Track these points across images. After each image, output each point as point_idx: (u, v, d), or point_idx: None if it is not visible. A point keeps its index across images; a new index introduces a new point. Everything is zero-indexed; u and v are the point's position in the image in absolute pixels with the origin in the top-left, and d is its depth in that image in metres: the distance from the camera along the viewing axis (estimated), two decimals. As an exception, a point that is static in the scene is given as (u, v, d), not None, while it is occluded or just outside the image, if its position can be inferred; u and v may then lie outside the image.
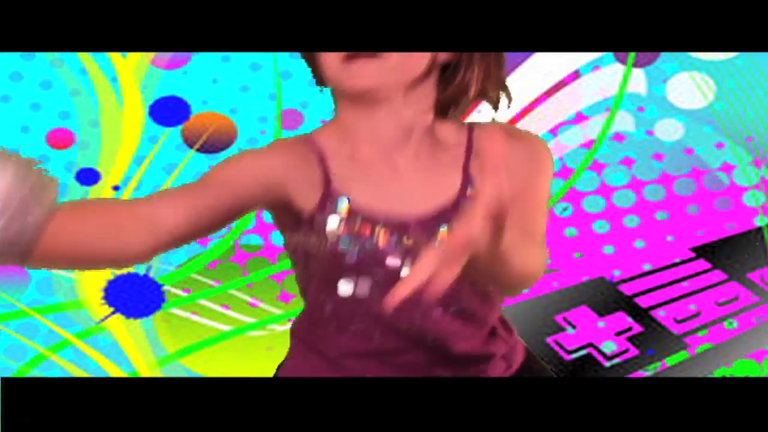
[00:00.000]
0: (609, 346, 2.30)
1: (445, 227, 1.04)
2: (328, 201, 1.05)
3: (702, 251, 2.62)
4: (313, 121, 2.56)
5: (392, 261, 1.05)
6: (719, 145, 2.74)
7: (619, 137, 2.76)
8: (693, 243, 2.64)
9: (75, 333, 2.33)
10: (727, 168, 2.73)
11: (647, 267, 2.57)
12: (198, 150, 2.59)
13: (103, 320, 2.34)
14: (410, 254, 1.05)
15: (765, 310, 2.43)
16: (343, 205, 1.05)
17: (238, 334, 2.42)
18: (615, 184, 2.71)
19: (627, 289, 2.50)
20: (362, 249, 1.05)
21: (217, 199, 0.99)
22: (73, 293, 2.40)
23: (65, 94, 2.56)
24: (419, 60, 1.03)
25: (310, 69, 1.11)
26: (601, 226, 2.65)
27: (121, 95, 2.59)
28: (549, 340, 2.31)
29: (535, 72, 2.74)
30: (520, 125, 2.73)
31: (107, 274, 2.40)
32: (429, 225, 1.05)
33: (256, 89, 2.62)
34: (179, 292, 2.42)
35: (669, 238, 2.63)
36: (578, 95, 2.77)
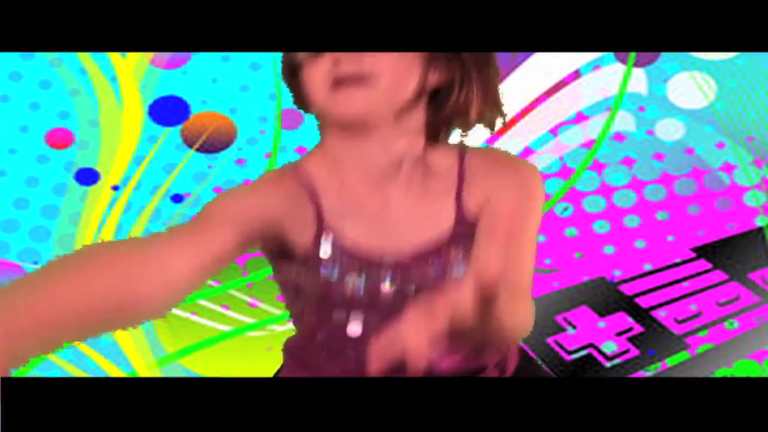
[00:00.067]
0: (609, 347, 2.29)
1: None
2: (321, 237, 1.04)
3: (703, 251, 2.61)
4: (312, 121, 2.55)
5: (384, 289, 1.04)
6: (720, 145, 2.74)
7: (619, 137, 2.76)
8: (694, 243, 2.63)
9: (74, 333, 2.32)
10: (728, 168, 2.73)
11: (648, 267, 2.57)
12: (197, 150, 2.59)
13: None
14: (402, 291, 1.04)
15: (766, 311, 2.42)
16: (338, 243, 1.04)
17: (237, 335, 2.42)
18: (615, 184, 2.70)
19: (627, 290, 2.50)
20: (356, 284, 1.04)
21: (223, 243, 0.95)
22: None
23: (64, 94, 2.56)
24: (408, 84, 1.00)
25: (292, 94, 1.08)
26: (601, 226, 2.64)
27: (120, 95, 2.59)
28: (549, 340, 2.31)
29: (535, 72, 2.74)
30: (521, 125, 2.75)
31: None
32: (423, 260, 1.04)
33: (255, 89, 2.62)
34: (179, 292, 2.41)
35: (670, 238, 2.63)
36: (579, 95, 2.77)
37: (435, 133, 1.06)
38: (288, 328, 1.20)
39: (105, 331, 0.82)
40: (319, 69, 0.99)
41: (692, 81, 2.75)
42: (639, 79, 2.77)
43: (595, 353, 2.28)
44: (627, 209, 2.67)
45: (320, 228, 1.04)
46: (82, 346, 2.31)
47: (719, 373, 2.24)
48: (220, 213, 0.98)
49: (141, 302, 0.82)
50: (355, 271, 1.04)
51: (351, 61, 0.97)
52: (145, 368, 2.31)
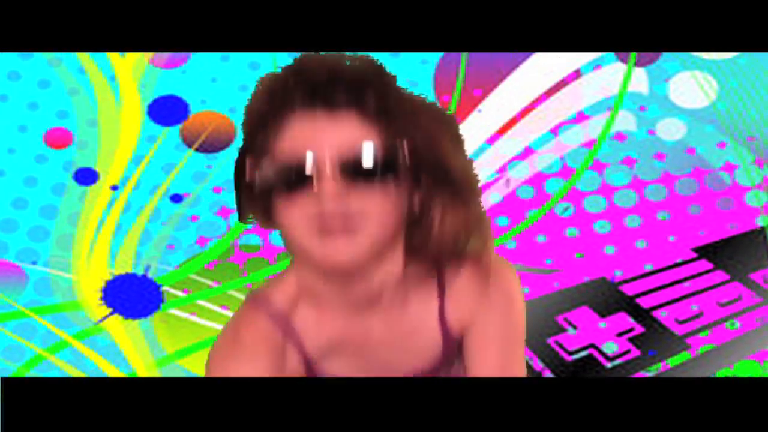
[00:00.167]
0: (610, 347, 2.29)
1: None
2: (311, 375, 1.04)
3: (704, 251, 2.61)
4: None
5: None
6: (721, 145, 2.74)
7: (620, 137, 2.75)
8: (695, 243, 2.63)
9: (73, 334, 2.32)
10: (729, 168, 2.72)
11: (649, 267, 2.56)
12: (197, 149, 2.58)
13: (101, 321, 2.33)
14: None
15: (767, 311, 2.42)
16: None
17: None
18: (616, 184, 2.70)
19: (628, 290, 2.49)
20: None
21: None
22: (71, 294, 2.39)
23: (63, 94, 2.56)
24: (394, 220, 0.95)
25: (245, 206, 1.00)
26: (602, 226, 2.63)
27: (119, 95, 2.59)
28: (550, 340, 2.30)
29: (535, 71, 2.73)
30: (521, 125, 2.74)
31: (105, 275, 2.39)
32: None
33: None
34: (178, 292, 2.41)
35: (671, 239, 2.62)
36: (579, 94, 2.76)
37: (414, 255, 1.02)
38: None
39: None
40: (302, 209, 0.93)
41: (693, 80, 2.74)
42: (640, 79, 2.77)
43: (596, 354, 2.27)
44: (628, 209, 2.67)
45: (308, 369, 1.03)
46: (82, 347, 2.31)
47: (720, 373, 2.23)
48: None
49: None
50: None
51: (338, 204, 0.91)
52: (145, 369, 2.30)
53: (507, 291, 1.08)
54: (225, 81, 2.62)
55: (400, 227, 0.98)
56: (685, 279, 2.53)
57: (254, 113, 0.98)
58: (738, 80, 2.73)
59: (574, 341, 2.31)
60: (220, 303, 2.41)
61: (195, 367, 2.31)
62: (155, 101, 2.59)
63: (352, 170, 0.91)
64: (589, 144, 2.73)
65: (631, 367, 2.24)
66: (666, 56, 2.74)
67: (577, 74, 2.77)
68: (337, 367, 1.03)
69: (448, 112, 1.04)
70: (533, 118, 2.73)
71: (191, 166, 2.56)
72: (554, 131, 2.74)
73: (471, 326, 1.07)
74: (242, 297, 2.45)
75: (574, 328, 2.35)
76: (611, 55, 2.76)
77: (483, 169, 2.65)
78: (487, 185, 2.64)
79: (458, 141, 1.00)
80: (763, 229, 2.64)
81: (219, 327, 2.38)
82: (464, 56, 2.70)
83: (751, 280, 2.51)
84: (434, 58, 2.72)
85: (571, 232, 2.62)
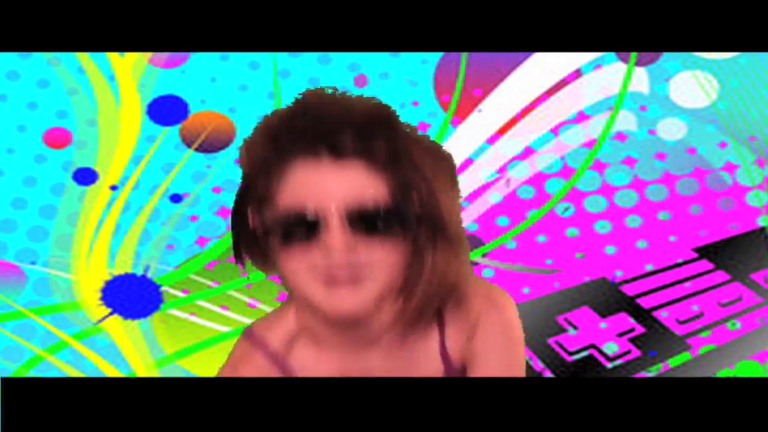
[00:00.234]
0: (611, 347, 2.28)
1: None
2: None
3: (705, 251, 2.60)
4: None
5: None
6: (722, 145, 2.73)
7: (621, 136, 2.75)
8: (696, 243, 2.62)
9: (72, 334, 2.31)
10: (730, 167, 2.72)
11: (649, 267, 2.56)
12: (196, 149, 2.58)
13: (100, 321, 2.33)
14: None
15: (768, 311, 2.42)
16: None
17: (237, 336, 2.41)
18: (617, 184, 2.70)
19: (629, 290, 2.49)
20: None
21: None
22: (70, 294, 2.38)
23: (62, 93, 2.56)
24: (399, 274, 0.93)
25: (242, 251, 0.98)
26: (602, 226, 2.63)
27: (119, 94, 2.58)
28: (550, 341, 2.30)
29: (535, 71, 2.73)
30: (521, 124, 2.74)
31: (105, 275, 2.39)
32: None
33: (254, 88, 2.61)
34: (178, 292, 2.41)
35: (671, 239, 2.62)
36: (580, 94, 2.76)
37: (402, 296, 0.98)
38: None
39: None
40: (307, 259, 0.91)
41: (694, 80, 2.74)
42: (641, 79, 2.76)
43: (597, 354, 2.27)
44: (628, 209, 2.66)
45: None
46: (81, 347, 2.30)
47: (721, 374, 2.23)
48: None
49: None
50: None
51: (346, 256, 0.89)
52: (144, 369, 2.30)
53: (506, 320, 1.07)
54: (224, 81, 2.62)
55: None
56: (686, 279, 2.52)
57: (255, 156, 0.94)
58: (739, 80, 2.72)
59: (574, 341, 2.31)
60: (219, 303, 2.41)
61: (194, 367, 2.31)
62: (155, 101, 2.59)
63: (360, 221, 0.89)
64: (590, 144, 2.73)
65: (631, 367, 2.24)
66: (667, 56, 2.74)
67: (577, 74, 2.77)
68: None
69: (444, 150, 0.99)
70: (533, 117, 2.73)
71: (191, 166, 2.56)
72: (554, 131, 2.74)
73: (472, 356, 1.06)
74: (242, 297, 2.45)
75: (575, 328, 2.35)
76: (612, 54, 2.76)
77: (483, 169, 2.65)
78: (488, 185, 2.64)
79: (455, 182, 0.98)
80: (763, 229, 2.64)
81: (219, 327, 2.39)
82: (464, 56, 2.70)
83: (751, 281, 2.51)
84: (434, 58, 2.72)
85: (572, 232, 2.62)
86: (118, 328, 2.34)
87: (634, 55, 2.75)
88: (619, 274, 2.53)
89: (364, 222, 0.89)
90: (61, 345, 2.30)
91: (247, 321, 2.44)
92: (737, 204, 2.68)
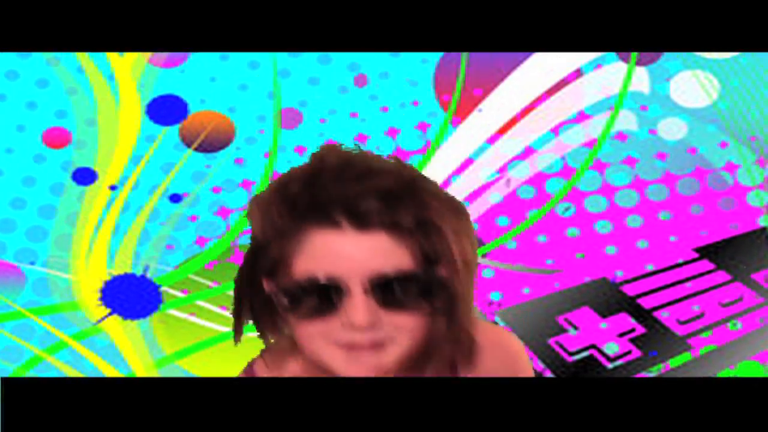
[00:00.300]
0: (611, 348, 2.28)
1: None
2: None
3: (705, 252, 2.60)
4: (311, 120, 2.55)
5: None
6: (723, 145, 2.73)
7: (621, 136, 2.75)
8: (696, 243, 2.62)
9: (72, 334, 2.31)
10: (731, 167, 2.71)
11: (650, 267, 2.56)
12: (196, 149, 2.58)
13: (100, 321, 2.33)
14: None
15: (769, 311, 2.42)
16: None
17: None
18: (617, 184, 2.69)
19: (630, 290, 2.49)
20: None
21: None
22: (69, 294, 2.38)
23: (62, 93, 2.56)
24: (422, 339, 0.91)
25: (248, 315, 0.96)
26: (603, 226, 2.63)
27: (118, 94, 2.58)
28: (551, 341, 2.30)
29: (536, 71, 2.73)
30: (521, 124, 2.73)
31: (104, 275, 2.39)
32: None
33: (254, 88, 2.61)
34: (177, 293, 2.41)
35: (672, 239, 2.62)
36: (580, 94, 2.76)
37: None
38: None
39: None
40: (328, 331, 0.88)
41: (695, 80, 2.74)
42: (641, 78, 2.76)
43: (597, 354, 2.27)
44: (629, 209, 2.66)
45: None
46: (80, 348, 2.30)
47: (722, 374, 2.23)
48: None
49: None
50: None
51: (370, 330, 0.87)
52: (143, 370, 2.30)
53: (520, 369, 1.08)
54: (224, 80, 2.62)
55: None
56: (687, 279, 2.52)
57: (270, 221, 0.88)
58: (739, 79, 2.72)
59: (575, 342, 2.31)
60: (219, 303, 2.40)
61: (194, 367, 2.30)
62: (154, 101, 2.59)
63: (383, 290, 0.86)
64: (590, 144, 2.73)
65: (632, 367, 2.24)
66: (667, 55, 2.74)
67: (578, 73, 2.77)
68: None
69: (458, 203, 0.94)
70: (534, 117, 2.73)
71: (190, 166, 2.56)
72: (555, 131, 2.73)
73: None
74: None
75: (575, 328, 2.35)
76: (612, 54, 2.76)
77: (483, 169, 2.65)
78: (488, 185, 2.64)
79: (475, 240, 0.94)
80: (764, 229, 2.64)
81: (218, 328, 2.39)
82: (464, 56, 2.70)
83: (752, 281, 2.50)
84: (434, 58, 2.72)
85: (572, 232, 2.62)
86: (117, 328, 2.33)
87: (634, 54, 2.75)
88: (619, 275, 2.53)
89: (387, 291, 0.86)
90: (61, 345, 2.30)
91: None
92: (738, 204, 2.68)
